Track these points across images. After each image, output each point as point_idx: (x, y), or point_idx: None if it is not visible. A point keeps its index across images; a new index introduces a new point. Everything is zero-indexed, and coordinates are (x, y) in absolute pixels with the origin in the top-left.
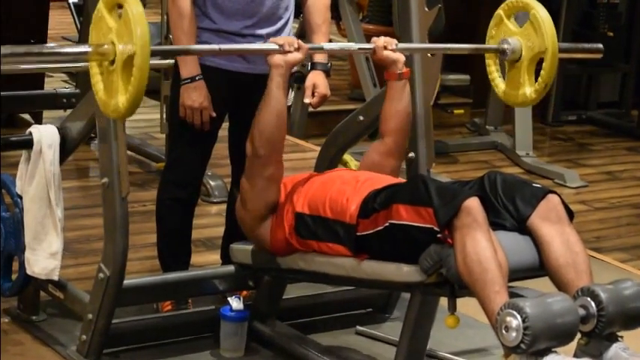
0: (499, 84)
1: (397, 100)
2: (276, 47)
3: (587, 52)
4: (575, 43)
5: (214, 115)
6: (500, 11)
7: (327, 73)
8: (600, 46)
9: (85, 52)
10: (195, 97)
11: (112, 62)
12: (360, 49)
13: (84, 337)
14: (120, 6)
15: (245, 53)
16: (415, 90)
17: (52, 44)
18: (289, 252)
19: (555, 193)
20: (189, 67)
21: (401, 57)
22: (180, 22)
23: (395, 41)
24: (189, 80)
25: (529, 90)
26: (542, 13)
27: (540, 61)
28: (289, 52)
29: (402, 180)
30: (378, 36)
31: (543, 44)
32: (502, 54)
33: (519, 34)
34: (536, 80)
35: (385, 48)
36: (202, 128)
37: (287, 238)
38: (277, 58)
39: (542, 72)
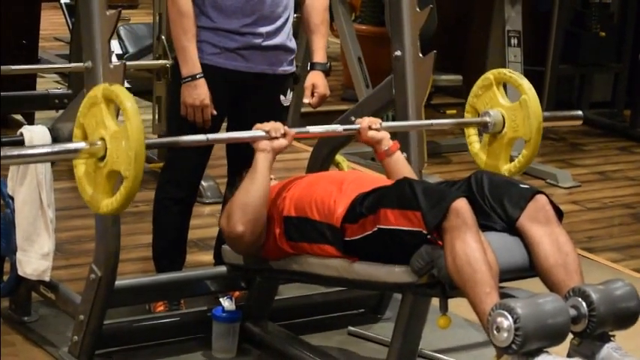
0: (477, 151)
1: (397, 172)
2: (263, 134)
3: (568, 120)
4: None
5: (215, 112)
6: (490, 76)
7: (327, 72)
8: (580, 112)
9: (78, 150)
10: (197, 95)
11: (101, 159)
12: (345, 130)
13: (75, 337)
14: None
15: (232, 142)
16: (407, 90)
17: (43, 145)
18: (281, 257)
19: (543, 193)
20: (189, 66)
21: (386, 135)
22: (180, 21)
23: (379, 121)
24: (189, 78)
25: (504, 167)
26: (533, 102)
27: None
28: (276, 138)
29: (390, 182)
30: (370, 36)
31: (528, 133)
32: (484, 127)
33: (505, 110)
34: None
35: (370, 128)
36: (204, 126)
37: (278, 244)
38: (264, 144)
39: (520, 158)
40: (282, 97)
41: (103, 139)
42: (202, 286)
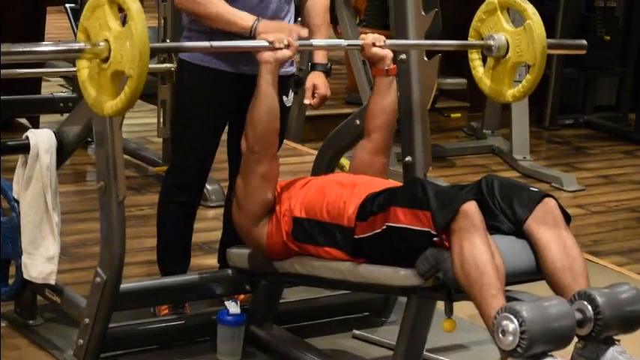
0: (481, 75)
1: (383, 96)
2: (266, 44)
3: (572, 49)
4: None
5: (305, 31)
6: (494, 0)
7: (327, 73)
8: (584, 41)
9: (81, 50)
10: (272, 27)
11: (104, 60)
12: (348, 45)
13: (81, 341)
14: (121, 9)
15: (235, 50)
16: (412, 93)
17: (48, 43)
18: (286, 256)
19: (552, 196)
20: (245, 19)
21: (389, 54)
22: (206, 3)
23: (383, 38)
24: (255, 23)
25: (508, 91)
26: (537, 27)
27: None
28: (279, 48)
29: (399, 183)
30: None
31: (532, 58)
32: (488, 50)
33: (509, 34)
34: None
35: (374, 45)
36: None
37: (284, 241)
38: (267, 55)
39: (524, 82)
40: (284, 98)
41: (106, 40)
42: (207, 290)
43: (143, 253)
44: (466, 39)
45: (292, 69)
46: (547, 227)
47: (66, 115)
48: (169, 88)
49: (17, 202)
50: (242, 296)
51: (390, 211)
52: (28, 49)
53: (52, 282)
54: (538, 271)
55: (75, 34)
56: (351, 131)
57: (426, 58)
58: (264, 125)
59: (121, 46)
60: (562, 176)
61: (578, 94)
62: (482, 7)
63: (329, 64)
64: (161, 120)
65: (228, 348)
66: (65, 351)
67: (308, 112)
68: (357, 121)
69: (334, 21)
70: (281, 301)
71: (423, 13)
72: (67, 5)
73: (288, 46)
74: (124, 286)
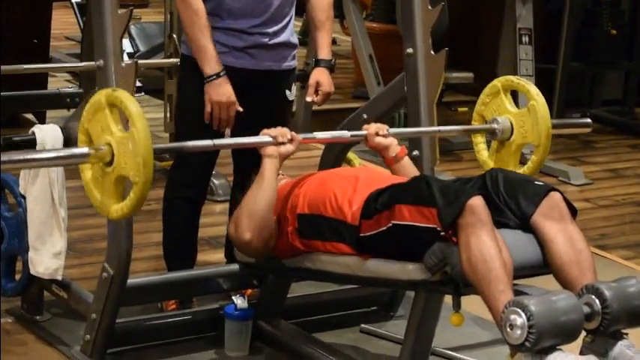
0: (485, 158)
1: (406, 178)
2: (269, 139)
3: (576, 127)
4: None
5: (241, 109)
6: (497, 83)
7: (331, 69)
8: (589, 120)
9: (85, 155)
10: (222, 92)
11: (108, 164)
12: (352, 136)
13: (88, 336)
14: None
15: (238, 147)
16: (419, 88)
17: (50, 149)
18: (294, 255)
19: (557, 190)
20: (212, 64)
21: (393, 141)
22: (196, 20)
23: (386, 127)
24: (214, 77)
25: None
26: (541, 108)
27: None
28: (282, 143)
29: (404, 179)
30: (381, 34)
31: (537, 139)
32: (492, 134)
33: (513, 116)
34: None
35: (377, 134)
36: (227, 124)
37: (290, 241)
38: (270, 150)
39: (530, 163)
40: (287, 92)
41: (109, 144)
42: (214, 285)
43: (150, 248)
44: (470, 35)
45: (294, 63)
46: (553, 221)
47: (72, 110)
48: (176, 83)
49: (24, 197)
50: (249, 291)
51: (395, 208)
52: (29, 157)
53: (59, 277)
54: (545, 265)
55: (81, 30)
56: (358, 125)
57: (433, 52)
58: (263, 215)
59: (124, 151)
60: (569, 170)
61: (584, 88)
62: (486, 91)
63: (333, 60)
64: (168, 115)
65: (236, 343)
66: (72, 346)
67: (315, 107)
68: (365, 115)
69: (341, 16)
70: (288, 295)
71: (429, 7)
72: (73, 0)
73: (290, 141)
74: (131, 281)
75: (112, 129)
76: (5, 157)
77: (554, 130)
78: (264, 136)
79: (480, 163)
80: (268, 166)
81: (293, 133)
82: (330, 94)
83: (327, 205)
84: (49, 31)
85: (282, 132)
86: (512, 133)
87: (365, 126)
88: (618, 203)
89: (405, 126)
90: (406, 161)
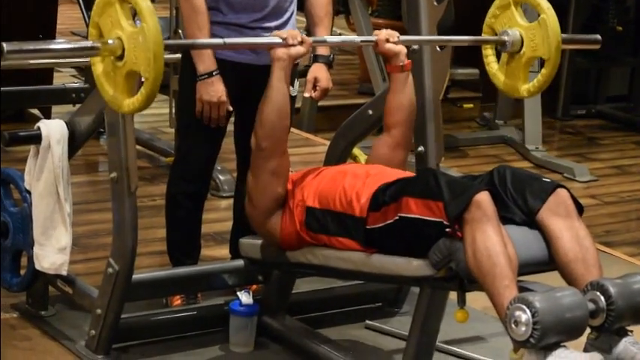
0: (495, 70)
1: (400, 92)
2: (280, 41)
3: (585, 43)
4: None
5: (231, 109)
6: None
7: (330, 65)
8: (598, 37)
9: (95, 48)
10: (213, 91)
11: (119, 58)
12: (362, 41)
13: (93, 332)
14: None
15: (249, 47)
16: (424, 84)
17: (59, 39)
18: (300, 246)
19: (564, 187)
20: (206, 63)
21: (403, 49)
22: (195, 18)
23: (397, 34)
24: (206, 75)
25: (522, 87)
26: (552, 21)
27: None
28: (292, 45)
29: (412, 173)
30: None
31: (547, 52)
32: (502, 46)
33: (524, 29)
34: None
35: (387, 40)
36: (218, 123)
37: (298, 232)
38: (280, 52)
39: (539, 77)
40: (290, 87)
41: (119, 38)
42: (220, 280)
43: (155, 244)
44: (478, 30)
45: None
46: (559, 218)
47: (78, 105)
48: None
49: (29, 192)
50: (254, 287)
51: (402, 201)
52: (39, 47)
53: (64, 273)
54: (551, 261)
55: (86, 25)
56: (363, 121)
57: (438, 49)
58: (274, 122)
59: (135, 46)
60: (574, 167)
61: (590, 84)
62: (496, 3)
63: (331, 56)
64: (173, 110)
65: (241, 338)
66: (77, 342)
67: (320, 103)
68: (370, 111)
69: (347, 12)
70: (293, 291)
71: (435, 3)
72: None
73: (301, 43)
74: (136, 276)
75: (123, 24)
76: (14, 47)
77: (564, 45)
78: (274, 37)
79: (489, 74)
80: (277, 70)
81: (304, 35)
82: (328, 90)
83: (337, 200)
84: (55, 26)
85: (292, 34)
86: (522, 46)
87: (375, 31)
88: (623, 200)
89: None
90: (408, 75)
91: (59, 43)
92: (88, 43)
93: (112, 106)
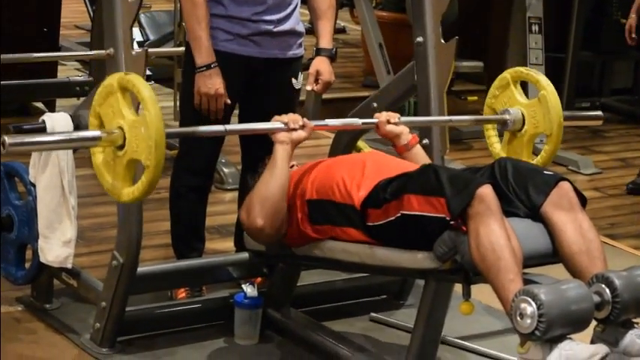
0: (498, 151)
1: (417, 164)
2: (281, 125)
3: (588, 120)
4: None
5: (229, 102)
6: (507, 75)
7: (332, 58)
8: (600, 113)
9: (97, 138)
10: (211, 84)
11: (120, 147)
12: (363, 123)
13: (97, 324)
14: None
15: (250, 133)
16: (429, 77)
17: (62, 132)
18: (304, 243)
19: (567, 179)
20: (204, 55)
21: (404, 129)
22: (194, 11)
23: (397, 115)
24: (204, 68)
25: None
26: (552, 97)
27: None
28: (294, 129)
29: (411, 165)
30: (391, 22)
31: (549, 128)
32: (503, 125)
33: (524, 107)
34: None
35: (388, 122)
36: (216, 116)
37: (301, 228)
38: (282, 136)
39: (543, 153)
40: (293, 80)
41: (120, 128)
42: (224, 273)
43: (160, 236)
44: (481, 23)
45: (301, 51)
46: (563, 211)
47: (82, 98)
48: None
49: (34, 185)
50: (259, 279)
51: (403, 198)
52: (39, 139)
53: (69, 266)
54: (555, 254)
55: (90, 18)
56: (368, 114)
57: (443, 41)
58: (275, 201)
59: (136, 135)
60: (579, 159)
61: (594, 77)
62: (495, 84)
63: (334, 49)
64: (178, 104)
65: (246, 331)
66: (82, 335)
67: (325, 95)
68: (374, 104)
69: (351, 4)
70: (298, 284)
71: None
72: None
73: (302, 127)
74: (140, 269)
75: (124, 112)
76: (15, 139)
77: (566, 123)
78: (275, 122)
79: (492, 155)
80: (280, 152)
81: (305, 119)
82: (330, 83)
83: (335, 190)
84: (59, 20)
85: (294, 118)
86: (523, 124)
87: (376, 114)
88: (628, 192)
89: (415, 114)
90: (418, 149)
91: (60, 135)
92: (90, 134)
93: (111, 195)
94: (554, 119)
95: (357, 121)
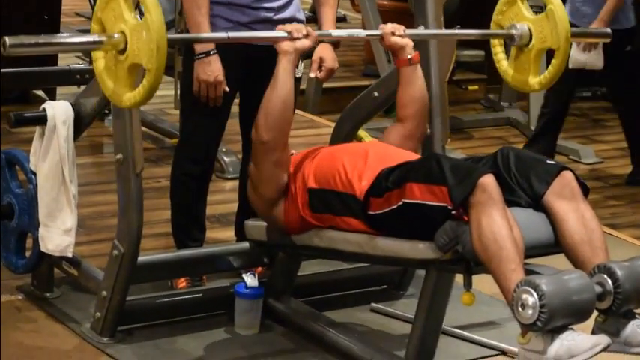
0: (505, 67)
1: (411, 85)
2: (285, 34)
3: (595, 37)
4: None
5: (227, 89)
6: None
7: (336, 45)
8: (608, 30)
9: (98, 42)
10: (210, 71)
11: (121, 52)
12: (367, 35)
13: (98, 314)
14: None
15: (253, 41)
16: (430, 66)
17: (62, 34)
18: (304, 230)
19: (569, 169)
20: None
21: (409, 42)
22: None
23: (402, 27)
24: (203, 55)
25: (533, 80)
26: (559, 11)
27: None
28: (298, 39)
29: (413, 155)
30: (392, 11)
31: (556, 42)
32: (510, 40)
33: (532, 22)
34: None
35: (393, 34)
36: (215, 103)
37: (301, 215)
38: (286, 45)
39: (550, 68)
40: None
41: (122, 32)
42: (225, 262)
43: (160, 225)
44: (481, 17)
45: None
46: (565, 200)
47: (83, 87)
48: None
49: (34, 174)
50: (260, 269)
51: (405, 187)
52: (43, 41)
53: (69, 254)
54: (557, 243)
55: (91, 6)
56: (369, 103)
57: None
58: (277, 115)
59: (138, 39)
60: (580, 149)
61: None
62: (502, 0)
63: None
64: (178, 92)
65: (246, 321)
66: (82, 324)
67: (325, 84)
68: (376, 93)
69: None
70: (299, 273)
71: None
72: None
73: (306, 36)
74: (141, 258)
75: (126, 17)
76: (16, 40)
77: (574, 39)
78: (279, 32)
79: (499, 71)
80: (283, 63)
81: (309, 28)
82: (333, 70)
83: (337, 179)
84: (60, 7)
85: (297, 27)
86: (530, 39)
87: (381, 25)
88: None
89: None
90: (417, 67)
91: (62, 37)
92: (92, 37)
93: (113, 100)
94: (562, 34)
95: (362, 33)
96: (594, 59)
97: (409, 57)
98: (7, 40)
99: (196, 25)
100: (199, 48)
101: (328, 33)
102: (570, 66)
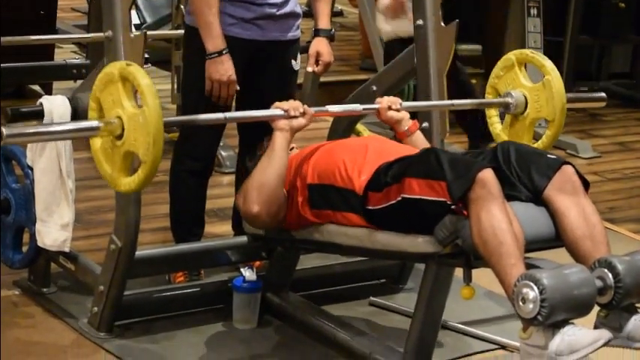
0: (498, 131)
1: (416, 147)
2: (282, 112)
3: (591, 101)
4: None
5: (238, 88)
6: (512, 57)
7: (331, 39)
8: (603, 94)
9: (95, 128)
10: (223, 70)
11: (118, 137)
12: (364, 109)
13: (95, 309)
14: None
15: (250, 120)
16: (429, 60)
17: (59, 122)
18: (303, 227)
19: (570, 163)
20: (215, 41)
21: (405, 115)
22: None
23: (399, 100)
24: (216, 54)
25: None
26: (556, 83)
27: None
28: (294, 117)
29: (411, 149)
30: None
31: (552, 113)
32: (506, 108)
33: (528, 90)
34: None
35: (390, 108)
36: (226, 102)
37: (301, 212)
38: (282, 123)
39: (544, 138)
40: (292, 62)
41: (119, 117)
42: (223, 256)
43: (158, 220)
44: (480, 7)
45: (298, 33)
46: (566, 195)
47: (79, 81)
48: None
49: (31, 168)
50: (258, 263)
51: (404, 182)
52: (39, 130)
53: (67, 249)
54: (557, 238)
55: (87, 1)
56: (366, 97)
57: (443, 24)
58: (272, 188)
59: (135, 128)
60: (577, 143)
61: (592, 61)
62: (499, 64)
63: (333, 30)
64: (175, 86)
65: (244, 315)
66: (80, 319)
67: (322, 78)
68: (374, 87)
69: None
70: (297, 268)
71: None
72: None
73: (303, 114)
74: (138, 253)
75: (124, 103)
76: (13, 130)
77: (569, 105)
78: (276, 110)
79: (493, 137)
80: (279, 139)
81: (305, 106)
82: (330, 64)
83: (337, 174)
84: (56, 3)
85: (294, 105)
86: (526, 107)
87: (377, 99)
88: (626, 176)
89: (415, 98)
90: (418, 135)
91: (58, 125)
92: (88, 124)
93: (110, 184)
94: (558, 105)
95: (358, 107)
96: (405, 26)
97: (406, 129)
98: (4, 130)
99: (207, 25)
100: (212, 47)
101: (325, 109)
102: (385, 39)
